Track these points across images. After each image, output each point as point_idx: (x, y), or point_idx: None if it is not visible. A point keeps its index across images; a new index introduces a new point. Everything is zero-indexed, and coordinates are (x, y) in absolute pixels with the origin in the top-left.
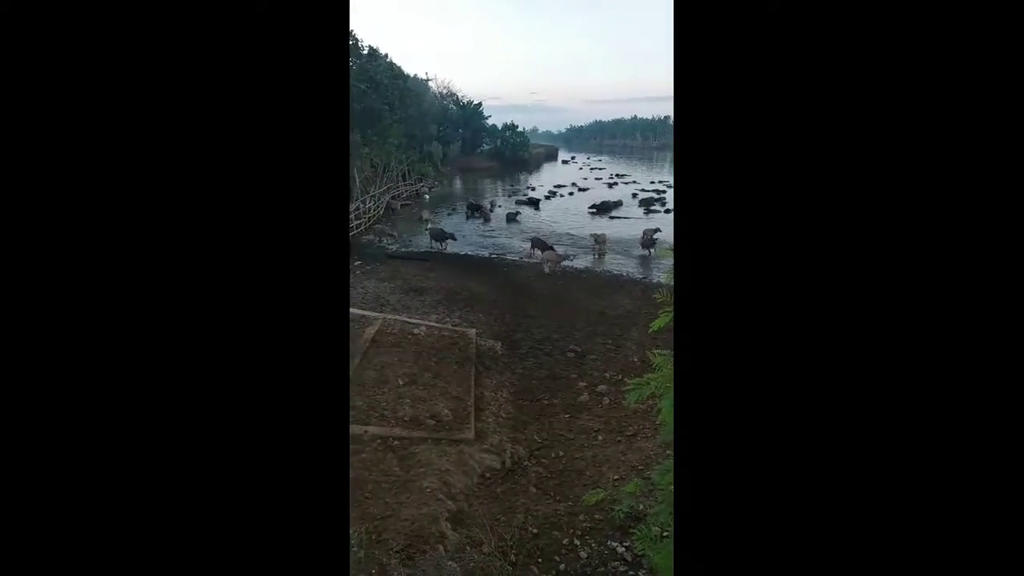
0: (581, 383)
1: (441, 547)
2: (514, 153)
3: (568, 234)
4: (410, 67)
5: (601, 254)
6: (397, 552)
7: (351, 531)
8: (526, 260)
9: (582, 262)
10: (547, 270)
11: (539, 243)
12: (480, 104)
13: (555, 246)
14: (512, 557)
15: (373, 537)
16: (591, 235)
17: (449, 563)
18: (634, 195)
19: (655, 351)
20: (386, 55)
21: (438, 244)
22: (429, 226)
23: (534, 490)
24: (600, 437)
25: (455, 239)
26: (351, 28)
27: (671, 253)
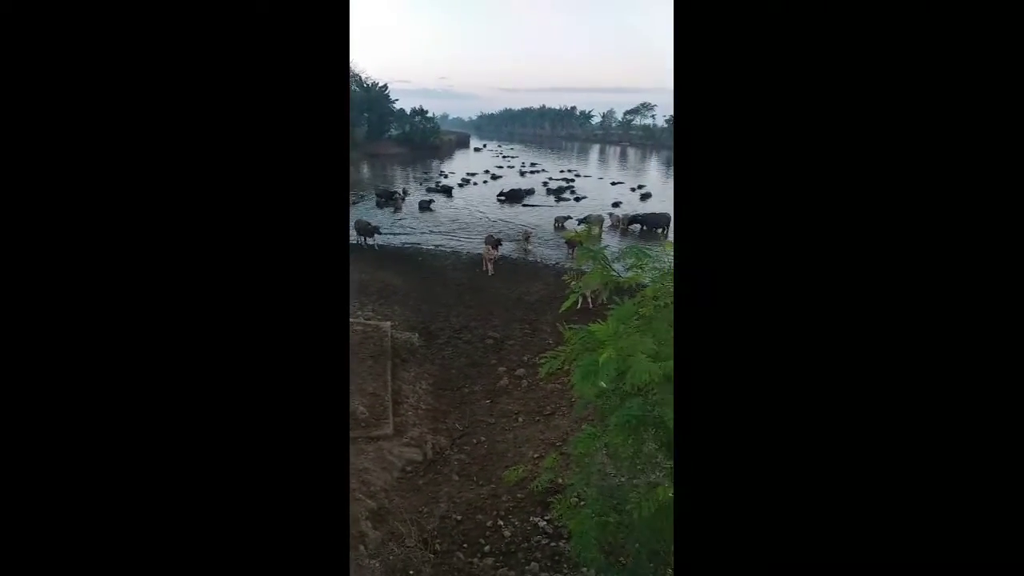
0: (500, 368)
1: (362, 546)
2: (424, 139)
3: (486, 218)
4: None
5: (526, 250)
6: None
7: None
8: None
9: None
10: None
11: (493, 240)
12: (386, 87)
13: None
14: (436, 546)
15: None
16: (521, 232)
17: (369, 561)
18: (545, 183)
19: (566, 325)
20: None
21: (362, 238)
22: (357, 219)
23: (456, 478)
24: (520, 419)
25: (380, 232)
26: None
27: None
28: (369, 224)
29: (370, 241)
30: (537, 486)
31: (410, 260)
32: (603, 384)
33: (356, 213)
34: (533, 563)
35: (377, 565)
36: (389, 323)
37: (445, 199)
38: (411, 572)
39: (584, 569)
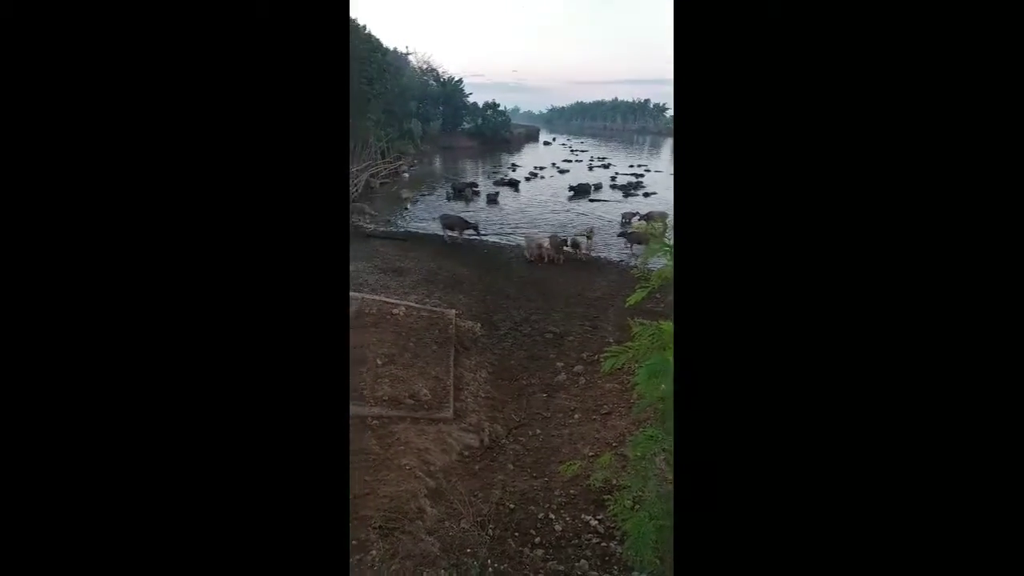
0: (559, 363)
1: (420, 522)
2: (495, 133)
3: (551, 214)
4: (389, 40)
5: (589, 249)
6: (376, 528)
7: None
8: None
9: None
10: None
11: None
12: (461, 81)
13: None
14: (489, 531)
15: (351, 514)
16: (583, 231)
17: (427, 537)
18: (612, 179)
19: (635, 320)
20: (364, 26)
21: (453, 234)
22: (444, 212)
23: (511, 467)
24: (576, 416)
25: (478, 231)
26: None
27: (653, 237)
28: (464, 219)
29: (452, 233)
30: (592, 484)
31: (476, 252)
32: (665, 387)
33: (427, 205)
34: (583, 560)
35: (434, 541)
36: (454, 311)
37: (512, 193)
38: (468, 550)
39: (635, 573)
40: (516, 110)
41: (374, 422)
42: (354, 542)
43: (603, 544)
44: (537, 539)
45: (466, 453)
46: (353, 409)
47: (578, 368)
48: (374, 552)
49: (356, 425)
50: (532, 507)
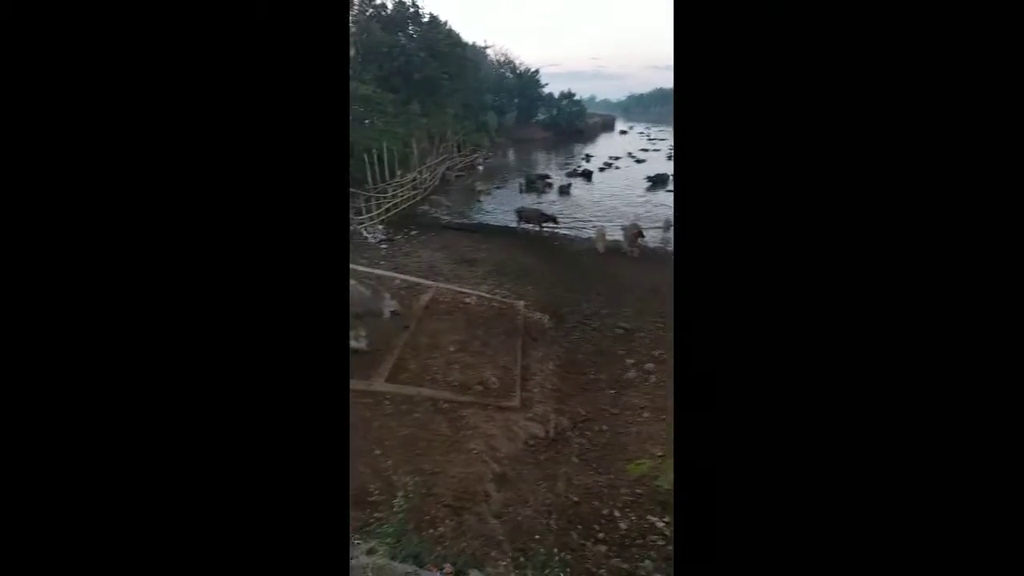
0: (628, 360)
1: (485, 505)
2: (570, 123)
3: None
4: (468, 35)
5: (664, 243)
6: (445, 506)
7: (404, 481)
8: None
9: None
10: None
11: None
12: (537, 72)
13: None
14: (552, 521)
15: (423, 491)
16: (664, 220)
17: (492, 520)
18: None
19: None
20: (446, 22)
21: (529, 226)
22: (521, 205)
23: (576, 461)
24: (645, 414)
25: (557, 222)
26: None
27: None
28: (542, 212)
29: (529, 226)
30: (659, 486)
31: (546, 244)
32: None
33: (499, 198)
34: (647, 561)
35: (499, 525)
36: (522, 302)
37: (585, 184)
38: (537, 537)
39: None
40: (592, 99)
41: (445, 405)
42: (426, 517)
43: (669, 547)
44: (600, 535)
45: (531, 442)
46: (426, 392)
47: (649, 366)
48: (442, 528)
49: (428, 407)
50: (596, 502)
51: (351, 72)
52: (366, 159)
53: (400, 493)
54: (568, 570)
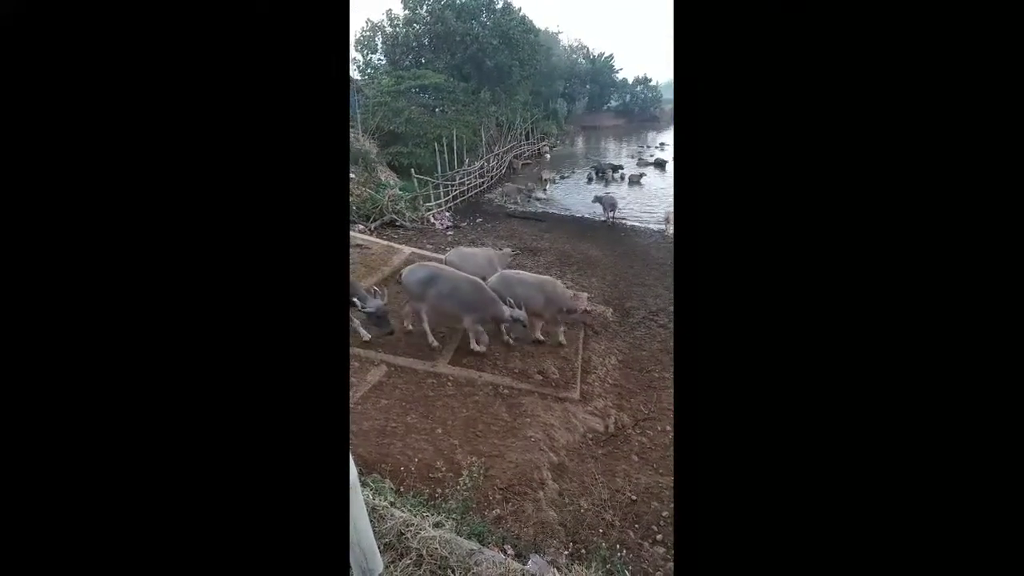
0: None
1: (540, 493)
2: (644, 109)
3: None
4: (541, 20)
5: None
6: (501, 489)
7: (470, 461)
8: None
9: None
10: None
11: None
12: (611, 56)
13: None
14: (608, 517)
15: (482, 472)
16: None
17: (548, 509)
18: None
19: None
20: (519, 8)
21: (610, 214)
22: (599, 193)
23: (636, 459)
24: None
25: (615, 207)
26: None
27: None
28: (615, 201)
29: (609, 214)
30: None
31: (612, 235)
32: None
33: (564, 187)
34: None
35: (553, 514)
36: (586, 294)
37: (658, 173)
38: (601, 531)
39: None
40: (670, 83)
41: (505, 391)
42: (484, 499)
43: None
44: (659, 536)
45: (590, 436)
46: (486, 377)
47: None
48: (498, 511)
49: (489, 391)
50: (655, 503)
51: (423, 61)
52: (435, 147)
53: (464, 472)
54: (630, 568)
